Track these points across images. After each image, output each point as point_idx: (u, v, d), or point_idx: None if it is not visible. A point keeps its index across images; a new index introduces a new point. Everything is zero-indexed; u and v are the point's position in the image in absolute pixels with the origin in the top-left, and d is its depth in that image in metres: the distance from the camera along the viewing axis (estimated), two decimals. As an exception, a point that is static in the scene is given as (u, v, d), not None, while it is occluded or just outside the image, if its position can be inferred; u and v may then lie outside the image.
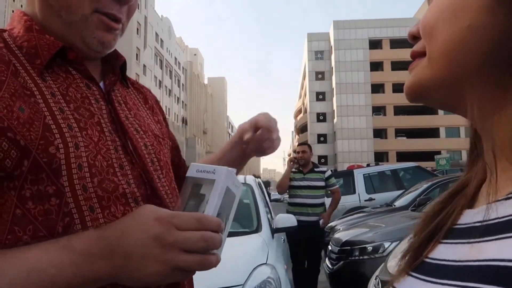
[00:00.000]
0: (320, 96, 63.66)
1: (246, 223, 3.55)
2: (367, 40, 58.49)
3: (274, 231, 3.55)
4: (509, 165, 0.36)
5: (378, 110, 58.15)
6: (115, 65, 0.83)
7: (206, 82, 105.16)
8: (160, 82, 61.81)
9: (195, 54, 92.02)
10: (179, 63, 74.64)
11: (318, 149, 60.19)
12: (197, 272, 0.63)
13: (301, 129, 70.32)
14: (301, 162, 4.78)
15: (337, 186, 5.02)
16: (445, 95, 0.41)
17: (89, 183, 0.64)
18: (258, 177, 6.18)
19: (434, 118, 53.16)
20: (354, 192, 9.76)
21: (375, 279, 3.18)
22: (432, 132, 54.91)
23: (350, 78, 58.24)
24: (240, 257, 2.74)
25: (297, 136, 73.54)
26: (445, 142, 52.84)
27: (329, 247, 5.04)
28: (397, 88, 53.94)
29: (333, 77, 59.41)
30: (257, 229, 3.36)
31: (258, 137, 0.98)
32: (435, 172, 12.65)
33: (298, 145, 5.07)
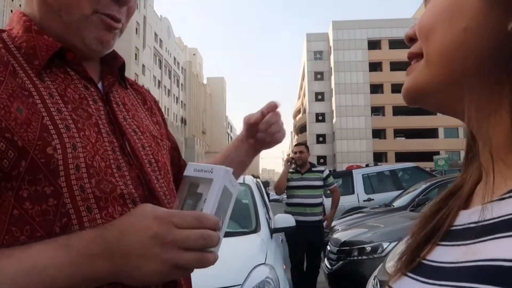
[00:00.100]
0: (319, 97, 63.69)
1: (245, 223, 3.55)
2: (366, 41, 58.55)
3: (273, 231, 3.55)
4: (504, 167, 0.36)
5: (377, 110, 58.21)
6: (114, 66, 0.82)
7: (205, 82, 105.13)
8: (159, 82, 61.79)
9: (194, 54, 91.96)
10: (178, 63, 74.61)
11: (317, 150, 60.24)
12: (196, 272, 0.64)
13: (300, 129, 70.34)
14: (298, 162, 4.76)
15: (336, 184, 5.03)
16: (442, 97, 0.41)
17: (87, 184, 0.64)
18: (257, 177, 6.20)
19: (433, 119, 53.20)
20: (353, 193, 9.76)
21: (374, 279, 3.18)
22: (431, 133, 54.98)
23: (349, 79, 58.28)
24: (239, 257, 2.74)
25: (296, 136, 73.58)
26: (443, 142, 52.90)
27: (328, 247, 5.04)
28: (396, 88, 53.98)
29: (332, 78, 59.46)
30: (256, 229, 3.36)
31: (267, 119, 1.00)
32: (433, 173, 12.67)
33: (295, 145, 5.06)
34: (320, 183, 4.74)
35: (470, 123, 0.40)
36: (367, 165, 12.57)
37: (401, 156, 51.98)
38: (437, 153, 32.28)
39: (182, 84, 76.71)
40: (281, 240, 4.44)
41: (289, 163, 4.82)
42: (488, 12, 0.35)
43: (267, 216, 3.80)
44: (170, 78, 68.55)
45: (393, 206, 6.99)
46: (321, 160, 58.02)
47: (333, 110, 59.92)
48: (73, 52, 0.72)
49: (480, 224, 0.35)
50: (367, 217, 6.35)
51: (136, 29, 50.27)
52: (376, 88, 58.20)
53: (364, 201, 9.43)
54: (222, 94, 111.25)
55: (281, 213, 4.32)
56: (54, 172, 0.62)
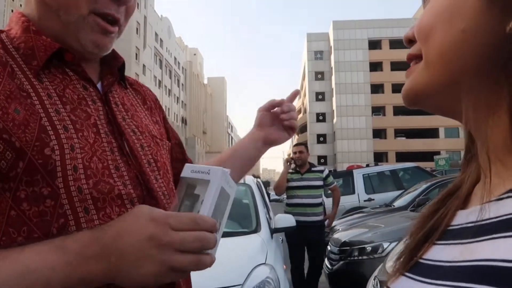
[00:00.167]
0: (320, 96, 63.68)
1: (245, 223, 3.55)
2: (366, 41, 58.53)
3: (273, 231, 3.55)
4: (502, 168, 0.36)
5: (378, 110, 58.19)
6: (114, 66, 0.82)
7: (205, 82, 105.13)
8: (159, 82, 61.80)
9: (194, 54, 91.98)
10: (178, 63, 74.61)
11: (318, 149, 60.25)
12: (195, 272, 0.64)
13: (301, 129, 70.30)
14: (298, 162, 4.75)
15: (336, 183, 5.02)
16: (441, 99, 0.41)
17: (84, 185, 0.64)
18: (258, 177, 6.18)
19: (433, 119, 53.16)
20: (353, 192, 9.77)
21: (374, 279, 3.18)
22: (432, 133, 54.95)
23: (349, 78, 58.26)
24: (239, 257, 2.75)
25: (296, 136, 73.52)
26: (444, 142, 52.88)
27: (329, 247, 5.04)
28: (397, 88, 53.95)
29: (333, 77, 59.44)
30: (256, 229, 3.36)
31: (290, 104, 1.08)
32: (434, 173, 12.67)
33: (294, 145, 5.03)
34: (320, 183, 4.73)
35: (468, 124, 0.40)
36: (367, 165, 12.57)
37: (401, 156, 51.96)
38: (438, 153, 32.28)
39: (182, 84, 76.71)
40: (281, 240, 4.43)
41: (288, 163, 4.81)
42: (487, 13, 0.35)
43: (267, 216, 3.80)
44: (170, 78, 68.56)
45: (394, 206, 6.99)
46: (322, 160, 58.01)
47: (333, 110, 59.92)
48: (72, 53, 0.72)
49: (478, 224, 0.35)
50: (367, 217, 6.35)
51: (137, 29, 50.28)
52: (376, 88, 58.18)
53: (364, 201, 9.43)
54: (222, 94, 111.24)
55: (281, 213, 4.31)
56: (51, 173, 0.62)
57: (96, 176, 0.66)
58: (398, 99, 54.07)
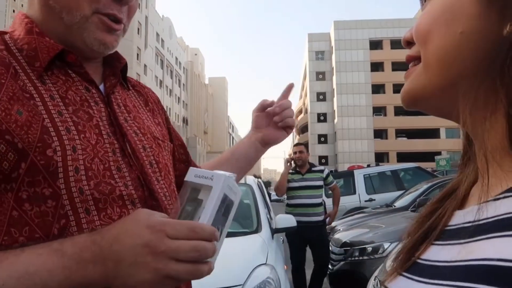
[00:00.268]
0: (321, 97, 63.64)
1: (246, 223, 3.55)
2: (367, 41, 58.48)
3: (274, 231, 3.55)
4: (499, 169, 0.37)
5: (379, 110, 58.13)
6: (116, 67, 0.83)
7: (207, 82, 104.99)
8: (161, 82, 61.79)
9: (196, 54, 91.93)
10: (180, 63, 74.58)
11: (319, 150, 60.23)
12: None
13: (302, 129, 70.30)
14: (298, 163, 4.73)
15: (335, 182, 5.01)
16: (439, 101, 0.42)
17: (86, 186, 0.65)
18: (259, 177, 6.18)
19: (434, 119, 53.01)
20: (354, 193, 9.76)
21: (374, 279, 3.18)
22: (433, 133, 54.88)
23: (350, 79, 58.22)
24: (240, 257, 2.75)
25: (297, 137, 73.52)
26: (445, 142, 52.79)
27: (329, 248, 5.04)
28: (398, 88, 53.86)
29: (334, 78, 59.40)
30: (257, 230, 3.36)
31: (281, 103, 1.07)
32: (435, 173, 12.65)
33: (294, 145, 5.00)
34: (320, 183, 4.72)
35: (465, 126, 0.40)
36: (368, 165, 12.57)
37: (402, 156, 51.91)
38: (439, 153, 32.26)
39: (183, 84, 76.69)
40: (282, 241, 4.43)
41: (289, 164, 4.79)
42: (484, 17, 0.36)
43: (268, 216, 3.80)
44: (171, 78, 68.55)
45: (395, 206, 6.98)
46: (323, 160, 57.97)
47: (334, 110, 59.89)
48: (74, 54, 0.73)
49: (475, 224, 0.35)
50: (368, 218, 6.34)
51: (138, 29, 50.29)
52: (377, 88, 58.13)
53: (365, 201, 9.43)
54: (223, 94, 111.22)
55: (282, 213, 4.31)
56: (53, 174, 0.62)
57: (97, 177, 0.67)
58: (399, 100, 52.90)
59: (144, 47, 52.89)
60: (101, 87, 0.78)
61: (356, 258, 4.46)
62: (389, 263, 3.11)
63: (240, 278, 2.45)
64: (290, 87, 1.09)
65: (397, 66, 54.72)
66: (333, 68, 59.94)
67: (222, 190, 0.62)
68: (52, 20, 0.73)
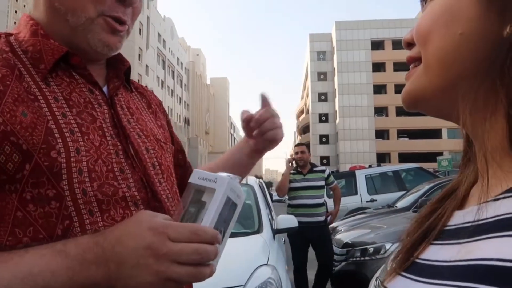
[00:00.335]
0: (322, 97, 63.61)
1: (247, 223, 3.55)
2: (369, 41, 58.43)
3: (275, 232, 3.55)
4: (499, 170, 0.37)
5: (380, 111, 58.07)
6: (120, 69, 0.83)
7: (208, 82, 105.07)
8: (162, 82, 61.83)
9: (197, 55, 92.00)
10: (181, 63, 74.63)
11: (320, 150, 60.20)
12: None
13: (303, 129, 70.27)
14: (300, 163, 4.71)
15: (336, 182, 4.99)
16: (439, 102, 0.42)
17: (89, 187, 0.65)
18: (260, 177, 6.18)
19: (436, 119, 51.70)
20: (356, 193, 9.75)
21: (376, 280, 3.18)
22: (434, 133, 54.80)
23: (352, 79, 58.18)
24: (241, 257, 2.75)
25: (299, 137, 73.50)
26: (447, 143, 52.70)
27: (332, 247, 5.03)
28: (399, 89, 53.71)
29: (335, 78, 59.38)
30: (258, 230, 3.36)
31: (258, 116, 0.97)
32: (437, 173, 12.62)
33: (295, 146, 4.98)
34: (322, 183, 4.71)
35: (465, 127, 0.40)
36: (370, 166, 12.56)
37: (404, 157, 51.85)
38: (441, 153, 32.23)
39: (185, 85, 76.75)
40: (284, 241, 4.43)
41: (290, 164, 4.77)
42: (484, 18, 0.36)
43: (269, 216, 3.80)
44: (173, 78, 68.60)
45: (396, 207, 6.97)
46: (324, 161, 57.93)
47: (336, 111, 59.84)
48: (79, 56, 0.73)
49: (475, 224, 0.35)
50: (370, 218, 6.32)
51: (140, 29, 50.35)
52: (379, 89, 58.06)
53: (367, 201, 9.41)
54: (225, 95, 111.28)
55: (283, 213, 4.31)
56: (57, 176, 0.63)
57: (100, 179, 0.67)
58: (400, 100, 53.80)
59: (145, 48, 52.94)
60: (105, 89, 0.79)
61: (358, 259, 4.46)
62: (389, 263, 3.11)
63: (241, 279, 2.44)
64: (263, 100, 0.99)
65: (399, 67, 54.65)
66: (334, 68, 59.92)
67: (225, 193, 0.62)
68: (57, 22, 0.73)
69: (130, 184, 0.71)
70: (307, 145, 5.01)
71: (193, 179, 0.65)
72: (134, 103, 0.86)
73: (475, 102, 0.38)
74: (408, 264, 0.43)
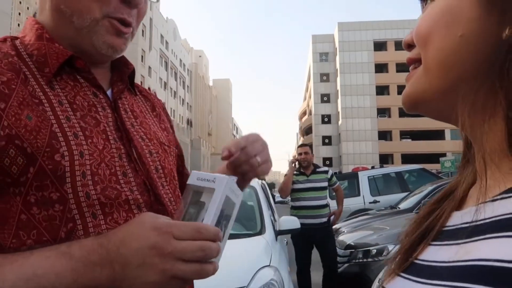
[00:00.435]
0: (325, 98, 63.55)
1: (250, 225, 3.55)
2: (371, 42, 58.37)
3: (278, 233, 3.55)
4: (498, 171, 0.37)
5: (383, 112, 57.97)
6: (124, 73, 0.84)
7: (211, 83, 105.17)
8: (165, 83, 61.93)
9: (200, 56, 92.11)
10: (184, 64, 74.72)
11: (323, 151, 60.14)
12: None
13: (306, 131, 70.24)
14: (304, 164, 4.67)
15: (338, 183, 4.97)
16: (440, 104, 0.42)
17: (92, 191, 0.66)
18: (263, 179, 6.18)
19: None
20: (358, 194, 9.73)
21: (378, 281, 3.17)
22: (437, 134, 54.64)
23: (355, 80, 58.12)
24: (244, 259, 2.75)
25: (302, 138, 73.48)
26: (450, 144, 52.54)
27: (336, 247, 5.02)
28: (402, 90, 52.80)
29: (338, 79, 59.31)
30: (261, 231, 3.36)
31: (249, 150, 0.85)
32: (440, 175, 12.61)
33: (299, 146, 4.92)
34: (325, 184, 4.68)
35: (464, 129, 0.40)
36: (372, 167, 12.55)
37: (407, 158, 51.74)
38: (444, 154, 32.12)
39: (188, 86, 76.81)
40: (286, 242, 4.43)
41: (293, 165, 4.74)
42: (484, 19, 0.36)
43: (272, 218, 3.80)
44: (176, 80, 68.67)
45: (399, 208, 6.95)
46: (327, 162, 57.84)
47: (339, 112, 59.77)
48: (83, 60, 0.74)
49: (473, 224, 0.35)
50: (372, 219, 6.31)
51: (142, 31, 50.47)
52: (382, 90, 57.98)
53: (369, 203, 9.38)
54: (227, 96, 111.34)
55: (286, 215, 4.30)
56: (60, 179, 0.64)
57: (103, 182, 0.68)
58: (403, 101, 53.63)
59: (148, 49, 53.05)
60: (109, 92, 0.79)
61: (361, 260, 4.45)
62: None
63: (243, 280, 2.45)
64: (224, 155, 0.84)
65: (402, 68, 54.56)
66: (337, 69, 59.86)
67: (225, 192, 0.64)
68: (63, 25, 0.74)
69: (133, 188, 0.72)
70: (310, 146, 4.98)
71: (191, 180, 0.66)
72: (138, 106, 0.86)
73: (474, 104, 0.38)
74: (407, 265, 0.43)
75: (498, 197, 0.35)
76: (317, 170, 4.73)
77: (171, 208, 0.77)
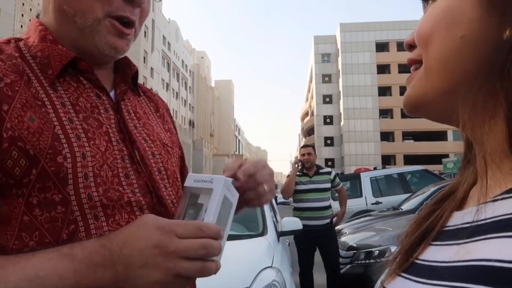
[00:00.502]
0: (327, 99, 63.53)
1: (252, 226, 3.55)
2: (374, 43, 58.31)
3: (280, 234, 3.55)
4: (498, 171, 0.37)
5: (385, 113, 57.87)
6: (127, 74, 0.84)
7: (213, 84, 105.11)
8: (167, 85, 61.98)
9: (202, 57, 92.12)
10: (186, 66, 74.76)
11: (325, 152, 60.06)
12: None
13: (308, 131, 70.21)
14: (307, 165, 4.62)
15: (341, 185, 4.92)
16: (441, 106, 0.42)
17: (94, 192, 0.66)
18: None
19: (442, 121, 52.68)
20: (361, 196, 9.71)
21: (380, 283, 3.17)
22: (440, 135, 54.52)
23: (357, 81, 58.07)
24: (246, 260, 2.75)
25: (304, 139, 73.45)
26: (452, 145, 52.38)
27: (338, 248, 5.01)
28: (404, 91, 53.39)
29: (340, 80, 59.27)
30: (263, 232, 3.37)
31: (258, 177, 0.80)
32: (442, 176, 12.57)
33: (302, 147, 4.89)
34: (328, 185, 4.63)
35: (465, 129, 0.40)
36: (375, 168, 12.53)
37: (409, 159, 51.64)
38: (446, 155, 32.02)
39: (190, 87, 76.86)
40: (288, 244, 4.42)
41: (297, 165, 4.70)
42: (485, 21, 0.36)
43: (274, 219, 3.80)
44: (178, 81, 68.71)
45: (401, 209, 6.94)
46: (329, 163, 57.78)
47: (341, 113, 59.73)
48: (86, 62, 0.74)
49: (473, 224, 0.35)
50: (375, 221, 6.31)
51: (145, 32, 50.54)
52: (384, 91, 57.90)
53: (372, 204, 9.37)
54: (230, 97, 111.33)
55: (288, 216, 4.28)
56: (63, 180, 0.64)
57: (106, 184, 0.68)
58: (406, 102, 53.54)
59: (150, 50, 53.13)
60: (112, 93, 0.79)
61: (363, 262, 4.45)
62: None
63: (245, 281, 2.45)
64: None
65: (404, 69, 54.46)
66: (339, 70, 59.82)
67: (222, 192, 0.65)
68: (66, 25, 0.74)
69: (135, 189, 0.72)
70: (314, 147, 4.95)
71: (188, 182, 0.66)
72: (142, 107, 0.86)
73: (474, 105, 0.38)
74: (407, 265, 0.43)
75: (499, 197, 0.35)
76: (320, 171, 4.68)
77: (173, 210, 0.77)
